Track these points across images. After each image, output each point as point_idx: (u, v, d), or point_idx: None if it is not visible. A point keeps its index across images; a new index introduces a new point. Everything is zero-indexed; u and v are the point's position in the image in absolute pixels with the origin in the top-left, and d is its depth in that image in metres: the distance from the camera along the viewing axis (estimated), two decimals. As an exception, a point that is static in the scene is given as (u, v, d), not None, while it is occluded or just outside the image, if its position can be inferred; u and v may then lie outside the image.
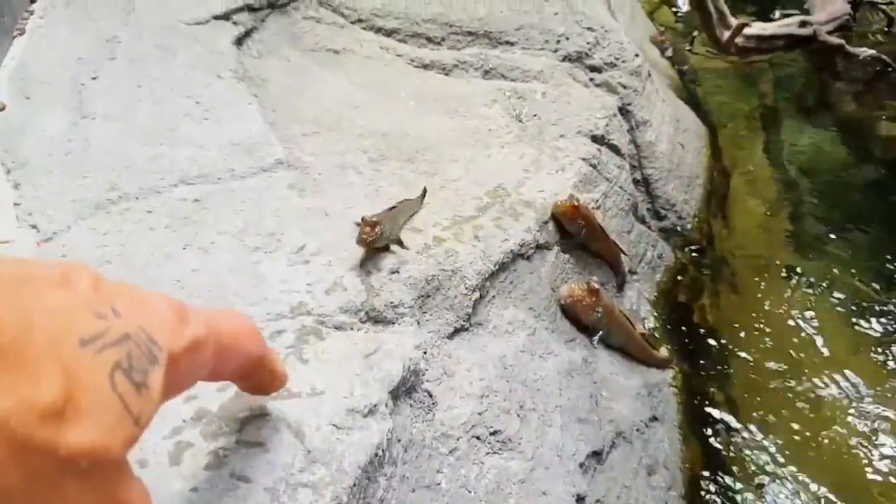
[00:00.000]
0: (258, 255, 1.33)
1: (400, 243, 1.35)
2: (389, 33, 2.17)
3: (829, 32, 3.03)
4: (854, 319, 2.11)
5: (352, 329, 1.21)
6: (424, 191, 1.53)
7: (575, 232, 1.70)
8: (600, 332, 1.58)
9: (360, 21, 2.20)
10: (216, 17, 2.06)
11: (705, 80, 3.07)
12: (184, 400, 0.94)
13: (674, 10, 3.65)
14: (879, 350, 2.04)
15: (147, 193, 1.48)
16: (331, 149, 1.72)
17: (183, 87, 1.76)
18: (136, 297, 0.58)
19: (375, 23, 2.18)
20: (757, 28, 2.97)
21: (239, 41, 2.04)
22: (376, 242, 1.27)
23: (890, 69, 3.06)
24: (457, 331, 1.34)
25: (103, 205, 1.44)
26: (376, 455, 0.98)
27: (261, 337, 0.76)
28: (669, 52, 2.98)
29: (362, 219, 1.28)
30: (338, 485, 0.89)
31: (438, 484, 1.12)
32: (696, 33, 3.27)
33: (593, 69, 2.09)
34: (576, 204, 1.68)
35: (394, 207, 1.39)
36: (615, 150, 1.94)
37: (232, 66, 1.87)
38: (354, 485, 0.92)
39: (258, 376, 0.80)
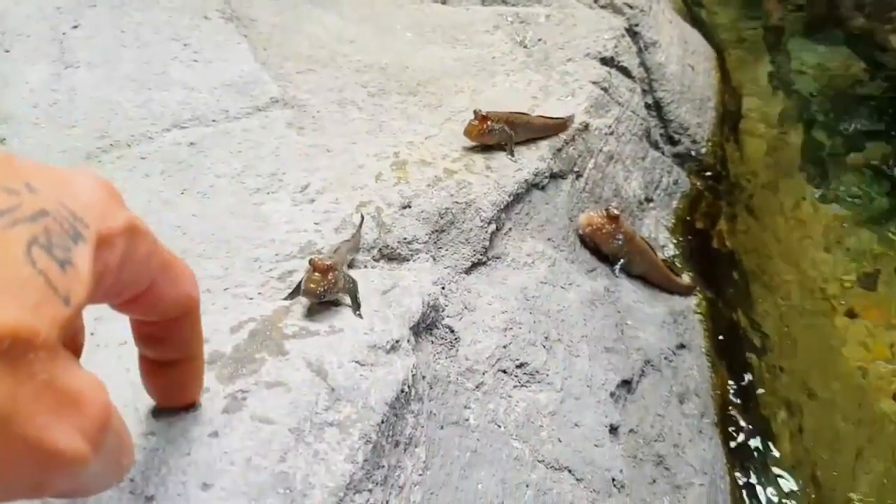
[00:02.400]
0: (260, 196, 1.26)
1: (355, 297, 1.00)
2: (381, -36, 2.07)
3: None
4: (874, 235, 2.05)
5: (365, 267, 1.15)
6: (362, 219, 1.19)
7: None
8: (622, 261, 1.51)
9: (349, -46, 2.09)
10: (197, -43, 1.95)
11: (709, 1, 2.96)
12: (195, 344, 0.89)
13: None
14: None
15: (139, 140, 1.40)
16: (328, 85, 1.64)
17: (168, 31, 1.67)
18: (58, 175, 0.50)
19: (366, -46, 2.08)
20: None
21: (224, -19, 1.94)
22: (327, 293, 0.95)
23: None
24: (474, 265, 1.28)
25: (94, 154, 1.37)
26: (402, 391, 0.93)
27: (198, 291, 0.65)
28: (671, -26, 2.87)
29: (311, 262, 0.95)
30: (365, 422, 0.84)
31: (467, 420, 1.07)
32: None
33: (596, -10, 2.00)
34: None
35: (339, 248, 1.08)
36: (625, 72, 1.86)
37: (218, 7, 1.78)
38: (382, 422, 0.86)
39: (179, 333, 0.65)
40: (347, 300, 1.00)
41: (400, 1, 2.01)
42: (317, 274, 0.95)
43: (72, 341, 0.59)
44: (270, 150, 1.37)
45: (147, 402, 0.76)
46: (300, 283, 0.97)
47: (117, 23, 1.68)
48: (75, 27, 1.68)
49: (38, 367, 0.42)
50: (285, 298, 1.00)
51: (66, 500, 0.67)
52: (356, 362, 0.91)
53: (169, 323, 0.64)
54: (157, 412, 0.77)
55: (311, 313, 0.96)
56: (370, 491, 0.82)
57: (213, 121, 1.45)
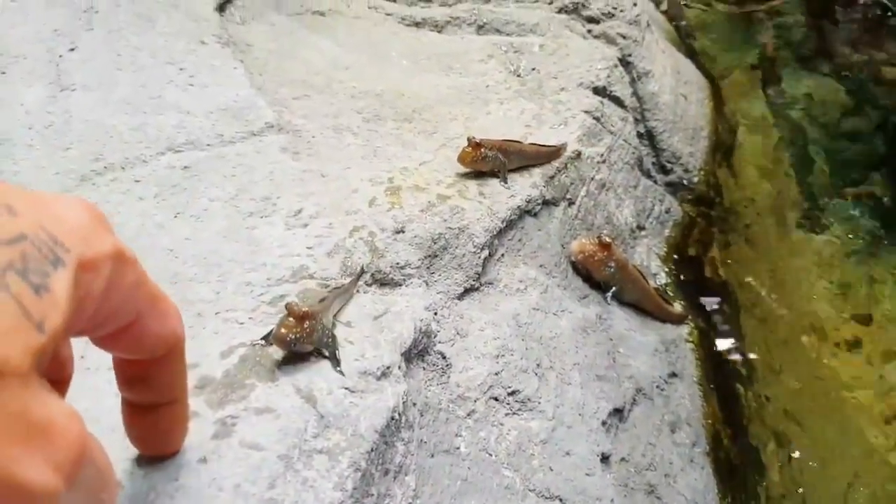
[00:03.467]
0: (253, 220, 1.26)
1: (334, 353, 0.93)
2: (378, -7, 2.10)
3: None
4: (868, 266, 2.06)
5: (358, 292, 1.15)
6: (361, 272, 1.15)
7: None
8: (613, 288, 1.52)
9: (345, -20, 2.12)
10: (196, -17, 1.97)
11: (702, 34, 2.99)
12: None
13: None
14: (890, 295, 1.99)
15: (133, 163, 1.40)
16: (323, 111, 1.64)
17: (164, 55, 1.68)
18: (41, 199, 0.49)
19: (362, -18, 2.10)
20: (754, -26, 2.90)
21: (221, 7, 1.96)
22: (299, 343, 0.88)
23: (890, 14, 2.99)
24: (467, 290, 1.28)
25: (88, 176, 1.37)
26: (393, 419, 0.93)
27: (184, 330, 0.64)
28: (664, 6, 2.90)
29: (286, 306, 0.88)
30: (355, 450, 0.83)
31: (458, 448, 1.06)
32: (690, -15, 3.19)
33: (590, 20, 2.01)
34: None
35: (325, 297, 1.00)
36: (618, 101, 1.87)
37: (215, 32, 1.79)
38: (372, 450, 0.86)
39: (162, 374, 0.63)
40: (326, 353, 0.93)
41: (395, 29, 2.03)
42: (290, 319, 0.87)
43: (57, 371, 0.58)
44: (264, 174, 1.37)
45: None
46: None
47: (113, 46, 1.69)
48: (72, 50, 1.68)
49: (7, 395, 0.41)
50: (261, 339, 0.93)
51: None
52: (346, 389, 0.90)
53: (153, 363, 0.62)
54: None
55: (283, 364, 0.90)
56: (359, 519, 0.81)
57: (208, 145, 1.45)
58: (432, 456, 1.02)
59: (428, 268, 1.25)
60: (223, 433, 0.80)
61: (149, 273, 0.60)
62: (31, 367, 0.43)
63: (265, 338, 0.93)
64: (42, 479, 0.43)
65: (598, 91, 1.81)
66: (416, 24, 2.03)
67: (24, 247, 0.45)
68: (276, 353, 0.91)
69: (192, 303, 1.06)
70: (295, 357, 0.91)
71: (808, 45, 2.96)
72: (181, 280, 1.12)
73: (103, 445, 0.53)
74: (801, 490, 1.58)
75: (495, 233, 1.35)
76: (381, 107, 1.70)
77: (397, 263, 1.21)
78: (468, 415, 1.10)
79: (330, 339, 0.94)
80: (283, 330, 0.87)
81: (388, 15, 2.05)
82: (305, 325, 0.88)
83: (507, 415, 1.14)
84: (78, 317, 0.49)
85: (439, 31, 2.00)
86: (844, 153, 2.50)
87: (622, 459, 1.25)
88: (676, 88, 2.15)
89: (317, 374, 0.90)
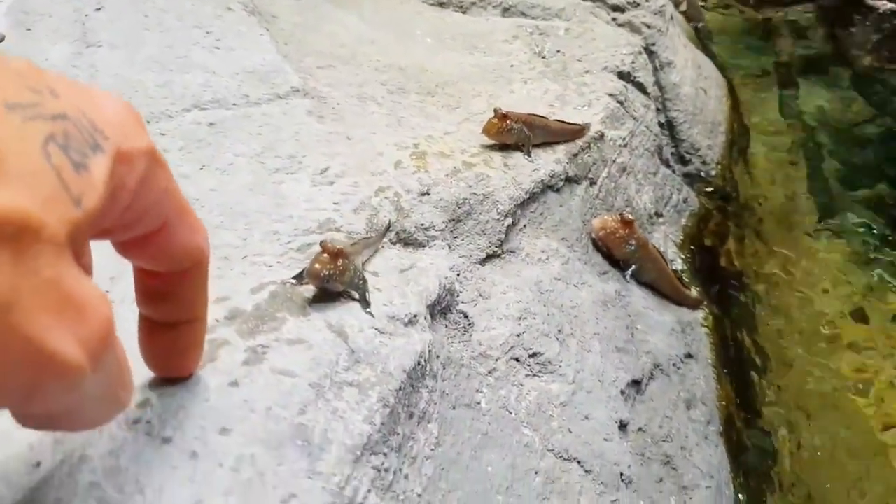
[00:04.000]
0: (280, 175, 1.26)
1: (364, 295, 0.93)
2: (403, -27, 2.10)
3: (848, -17, 2.97)
4: (877, 269, 2.06)
5: (384, 248, 1.15)
6: (388, 226, 1.15)
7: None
8: (633, 267, 1.51)
9: (372, -39, 2.12)
10: (222, -47, 1.98)
11: (720, 36, 3.00)
12: (214, 301, 0.88)
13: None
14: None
15: (159, 117, 1.40)
16: (348, 81, 1.65)
17: (191, 18, 1.69)
18: (84, 89, 0.48)
19: (389, -38, 2.11)
20: (776, -22, 2.91)
21: (247, -20, 1.96)
22: (332, 280, 0.88)
23: (907, 24, 3.01)
24: (489, 256, 1.27)
25: (113, 128, 1.37)
26: (419, 363, 0.92)
27: (209, 248, 0.63)
28: (684, 7, 2.91)
29: (321, 244, 0.88)
30: (384, 386, 0.83)
31: (478, 403, 1.05)
32: (710, -11, 3.21)
33: (616, 8, 2.02)
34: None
35: (356, 243, 1.01)
36: (641, 88, 1.88)
37: (242, 0, 1.80)
38: (400, 389, 0.85)
39: (184, 291, 0.62)
40: (356, 296, 0.92)
41: (420, 8, 2.03)
42: (325, 255, 0.87)
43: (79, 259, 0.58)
44: (290, 134, 1.37)
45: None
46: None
47: (140, 7, 1.69)
48: (98, 10, 1.69)
49: (42, 262, 0.40)
50: (292, 278, 0.93)
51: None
52: (376, 329, 0.90)
53: (175, 277, 0.61)
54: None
55: (313, 302, 0.90)
56: (385, 455, 0.80)
57: (234, 104, 1.45)
58: (454, 408, 1.01)
59: (451, 231, 1.25)
60: (254, 360, 0.79)
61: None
62: (66, 238, 0.42)
63: (297, 277, 0.92)
64: (71, 352, 0.42)
65: (622, 76, 1.82)
66: (441, 5, 2.04)
67: (65, 125, 0.44)
68: (307, 291, 0.91)
69: (218, 247, 1.06)
70: (325, 296, 0.91)
71: (824, 52, 2.97)
72: (207, 227, 1.11)
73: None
74: (808, 482, 1.57)
75: (519, 202, 1.35)
76: (405, 80, 1.70)
77: (422, 224, 1.21)
78: (489, 373, 1.10)
79: (361, 282, 0.93)
80: (317, 265, 0.87)
81: (413, -6, 2.06)
82: (339, 263, 0.88)
83: (527, 376, 1.13)
84: (111, 207, 0.48)
85: (464, 12, 2.01)
86: (856, 159, 2.51)
87: (639, 429, 1.24)
88: (697, 82, 2.16)
89: (347, 312, 0.90)
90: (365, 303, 0.93)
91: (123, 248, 0.57)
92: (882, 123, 2.66)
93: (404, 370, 0.87)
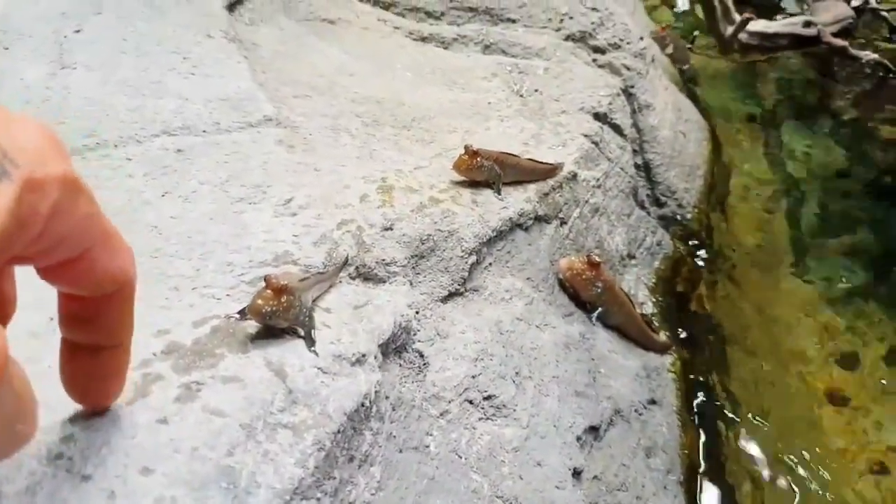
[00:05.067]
0: (242, 205, 1.25)
1: (310, 333, 0.90)
2: (387, 6, 2.11)
3: (833, 35, 2.99)
4: (851, 317, 2.06)
5: (341, 283, 1.13)
6: (345, 261, 1.13)
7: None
8: (599, 309, 1.50)
9: (357, -7, 2.14)
10: (208, -19, 1.99)
11: (705, 80, 3.02)
12: (154, 334, 0.86)
13: (674, 10, 3.61)
14: (875, 345, 1.99)
15: (126, 141, 1.39)
16: (323, 111, 1.64)
17: (170, 43, 1.68)
18: (3, 115, 0.48)
19: (374, -6, 2.12)
20: (761, 25, 2.93)
21: (231, 7, 1.97)
22: (275, 317, 0.85)
23: (892, 75, 3.03)
24: (451, 294, 1.26)
25: (79, 150, 1.35)
26: (363, 405, 0.90)
27: (134, 267, 0.62)
28: (670, 49, 2.93)
29: (265, 278, 0.85)
30: (321, 428, 0.81)
31: (427, 446, 1.03)
32: (696, 33, 3.24)
33: (596, 49, 2.03)
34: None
35: (307, 278, 0.97)
36: (617, 129, 1.88)
37: (223, 28, 1.80)
38: (339, 431, 0.84)
39: (107, 315, 0.61)
40: (301, 333, 0.90)
41: (402, 42, 2.04)
42: (268, 291, 0.85)
43: None
44: (258, 163, 1.36)
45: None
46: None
47: (120, 31, 1.69)
48: (77, 31, 1.69)
49: None
50: (236, 312, 0.90)
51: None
52: (318, 369, 0.88)
53: (99, 301, 0.59)
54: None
55: (256, 339, 0.87)
56: (318, 500, 0.79)
57: (204, 131, 1.44)
58: (401, 451, 0.99)
59: (414, 267, 1.23)
60: (186, 397, 0.77)
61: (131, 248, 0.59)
62: None
63: (241, 312, 0.90)
64: None
65: (598, 117, 1.82)
66: (423, 39, 2.04)
67: None
68: (250, 327, 0.89)
69: (171, 277, 1.05)
70: (269, 332, 0.89)
71: (808, 100, 2.99)
72: (162, 255, 1.11)
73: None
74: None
75: (485, 240, 1.34)
76: (380, 113, 1.70)
77: (383, 260, 1.20)
78: (441, 415, 1.08)
79: (307, 318, 0.92)
80: (259, 301, 0.85)
81: (397, 28, 2.07)
82: (283, 300, 0.86)
83: (480, 419, 1.12)
84: (19, 234, 0.47)
85: (445, 48, 2.02)
86: (836, 206, 2.52)
87: (594, 477, 1.22)
88: (676, 125, 2.16)
89: (290, 351, 0.88)
90: (310, 341, 0.91)
91: (45, 274, 0.56)
92: (863, 173, 2.67)
93: (344, 412, 0.86)
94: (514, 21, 2.07)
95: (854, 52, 3.00)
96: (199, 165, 1.34)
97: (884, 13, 3.33)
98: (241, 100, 1.54)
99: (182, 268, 1.08)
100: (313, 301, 1.01)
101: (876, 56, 3.02)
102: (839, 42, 2.99)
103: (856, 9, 3.23)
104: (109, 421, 0.73)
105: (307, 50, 1.94)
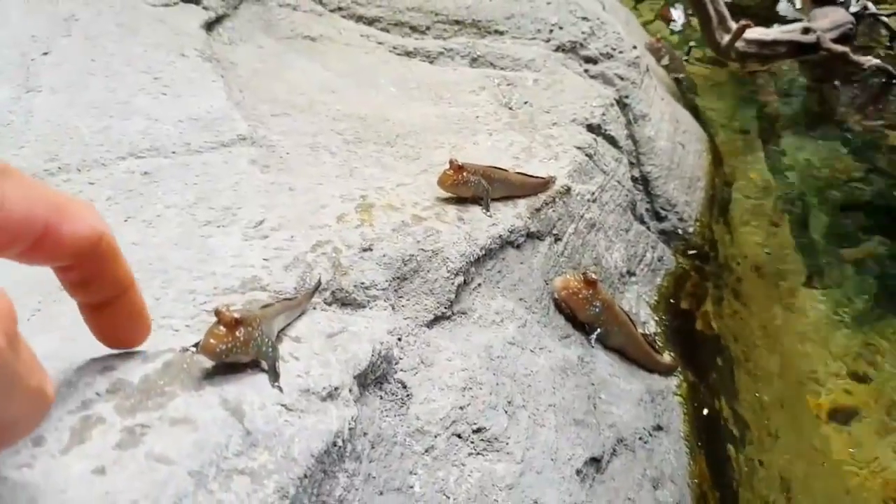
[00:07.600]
0: (209, 229, 1.17)
1: (273, 366, 0.81)
2: (371, 22, 2.04)
3: (833, 41, 2.92)
4: (861, 330, 1.97)
5: (314, 309, 1.04)
6: (317, 284, 1.04)
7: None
8: (598, 330, 1.41)
9: (339, 9, 2.07)
10: (185, 0, 1.92)
11: (703, 90, 2.95)
12: (99, 370, 0.77)
13: (670, 25, 3.55)
14: (889, 364, 1.89)
15: (91, 165, 1.32)
16: (302, 129, 1.57)
17: (141, 63, 1.61)
18: None
19: (356, 11, 2.05)
20: (758, 33, 2.85)
21: (209, 26, 1.90)
22: (231, 354, 0.76)
23: (894, 80, 2.96)
24: (437, 318, 1.17)
25: (39, 176, 1.28)
26: (335, 445, 0.81)
27: (103, 220, 0.65)
28: (666, 61, 2.86)
29: (216, 311, 0.76)
30: (284, 473, 0.72)
31: (411, 487, 0.94)
32: (692, 44, 3.17)
33: (588, 60, 1.96)
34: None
35: (270, 305, 0.88)
36: (612, 141, 1.80)
37: (198, 47, 1.73)
38: (305, 476, 0.74)
39: (100, 271, 0.65)
40: (265, 366, 0.81)
41: (386, 57, 1.97)
42: (221, 328, 0.75)
43: None
44: (229, 184, 1.28)
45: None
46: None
47: (89, 52, 1.62)
48: (45, 54, 1.62)
49: None
50: (192, 345, 0.80)
51: None
52: (282, 406, 0.79)
53: (87, 263, 0.63)
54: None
55: (214, 374, 0.78)
56: (282, 557, 0.69)
57: (173, 152, 1.37)
58: (381, 493, 0.90)
59: (396, 290, 1.15)
60: (129, 443, 0.68)
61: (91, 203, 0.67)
62: None
63: (196, 345, 0.81)
64: None
65: (591, 128, 1.74)
66: (408, 54, 1.97)
67: None
68: (207, 361, 0.80)
69: (128, 308, 0.96)
70: (228, 367, 0.80)
71: (809, 108, 2.92)
72: (120, 284, 1.02)
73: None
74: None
75: (472, 259, 1.25)
76: (363, 130, 1.62)
77: (362, 283, 1.11)
78: (426, 451, 0.99)
79: (270, 350, 0.82)
80: (211, 340, 0.75)
81: (380, 44, 2.00)
82: (238, 334, 0.76)
83: (470, 454, 1.02)
84: None
85: (431, 62, 1.94)
86: (843, 217, 2.44)
87: (597, 514, 1.12)
88: (674, 136, 2.08)
89: (250, 386, 0.79)
90: (273, 375, 0.82)
91: (23, 260, 0.60)
92: (870, 181, 2.59)
93: (312, 454, 0.77)
94: (501, 33, 1.99)
95: (855, 58, 2.93)
96: (165, 188, 1.26)
97: (884, 18, 3.26)
98: (214, 119, 1.46)
99: (140, 297, 0.99)
100: (280, 330, 0.92)
101: (878, 62, 2.95)
102: (839, 48, 2.91)
103: (855, 14, 3.16)
104: (41, 471, 0.64)
105: (287, 68, 1.87)
